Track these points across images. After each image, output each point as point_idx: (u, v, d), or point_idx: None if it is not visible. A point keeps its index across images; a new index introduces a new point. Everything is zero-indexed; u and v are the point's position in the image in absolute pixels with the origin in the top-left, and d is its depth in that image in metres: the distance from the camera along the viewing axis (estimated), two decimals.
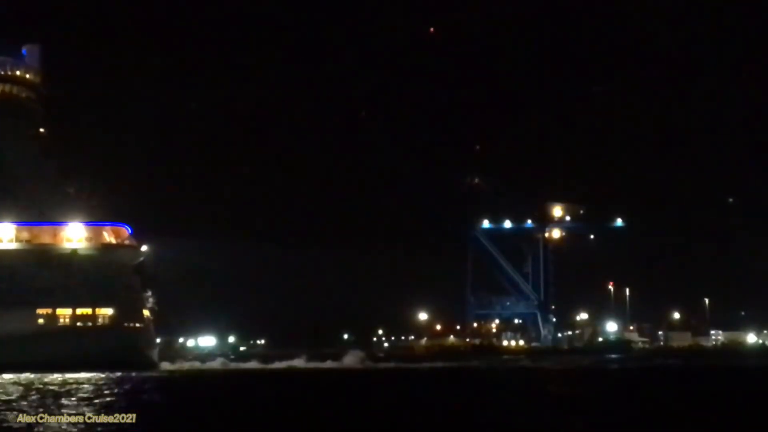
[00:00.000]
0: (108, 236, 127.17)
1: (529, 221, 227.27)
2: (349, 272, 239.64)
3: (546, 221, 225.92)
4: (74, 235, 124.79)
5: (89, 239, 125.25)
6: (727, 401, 64.53)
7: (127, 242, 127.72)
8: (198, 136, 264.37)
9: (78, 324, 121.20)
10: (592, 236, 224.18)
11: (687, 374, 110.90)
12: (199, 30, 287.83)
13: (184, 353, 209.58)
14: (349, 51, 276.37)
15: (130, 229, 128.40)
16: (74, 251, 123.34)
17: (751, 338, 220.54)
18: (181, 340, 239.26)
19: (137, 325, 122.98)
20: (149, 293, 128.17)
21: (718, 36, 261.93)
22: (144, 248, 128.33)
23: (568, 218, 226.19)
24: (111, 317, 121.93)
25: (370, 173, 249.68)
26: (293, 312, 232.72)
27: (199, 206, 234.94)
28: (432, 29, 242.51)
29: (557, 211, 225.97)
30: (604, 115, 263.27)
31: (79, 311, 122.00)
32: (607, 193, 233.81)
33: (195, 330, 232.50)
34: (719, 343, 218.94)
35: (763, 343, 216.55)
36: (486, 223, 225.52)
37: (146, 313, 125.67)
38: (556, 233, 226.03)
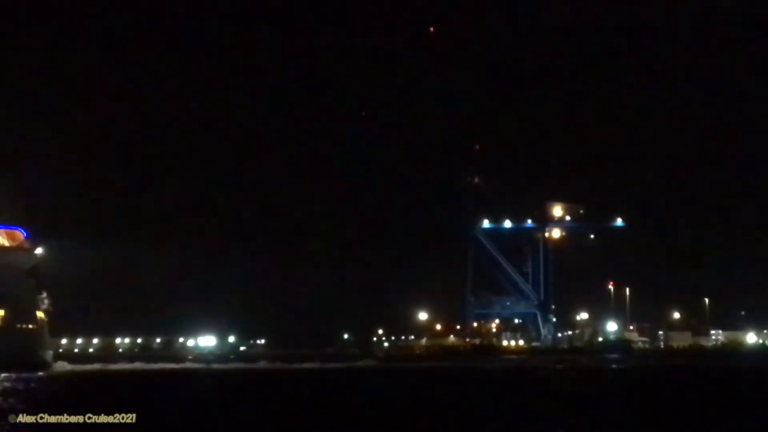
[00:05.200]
0: (2, 239, 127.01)
1: (529, 221, 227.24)
2: (350, 272, 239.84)
3: (546, 221, 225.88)
4: None
5: None
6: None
7: (21, 245, 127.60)
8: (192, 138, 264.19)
9: None
10: (592, 236, 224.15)
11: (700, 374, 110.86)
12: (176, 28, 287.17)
13: (183, 353, 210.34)
14: (349, 50, 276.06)
15: (24, 233, 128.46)
16: None
17: (751, 338, 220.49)
18: (181, 339, 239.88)
19: (30, 326, 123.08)
20: (44, 295, 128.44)
21: (718, 34, 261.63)
22: (39, 251, 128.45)
23: (568, 218, 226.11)
24: (3, 319, 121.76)
25: (370, 173, 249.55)
26: (293, 312, 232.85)
27: (109, 210, 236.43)
28: (432, 29, 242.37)
29: (557, 211, 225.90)
30: (604, 114, 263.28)
31: None
32: (607, 193, 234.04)
33: (196, 330, 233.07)
34: (719, 342, 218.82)
35: (763, 343, 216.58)
36: (486, 223, 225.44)
37: (40, 314, 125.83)
38: (556, 233, 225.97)
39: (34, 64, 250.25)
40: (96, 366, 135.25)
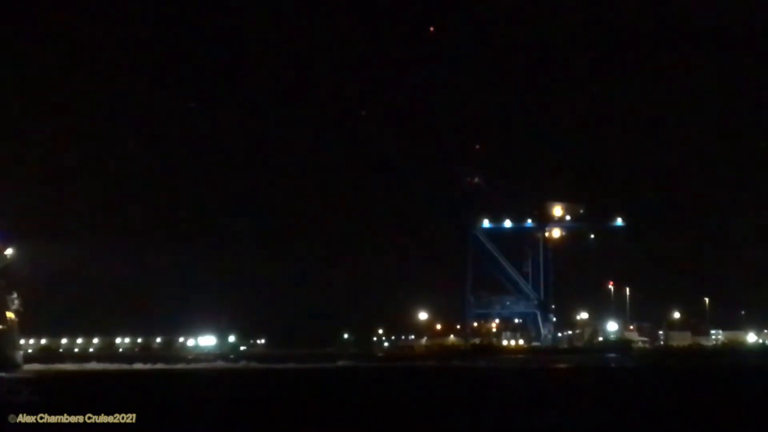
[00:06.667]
0: None
1: (529, 221, 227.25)
2: (350, 272, 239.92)
3: (546, 221, 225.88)
4: None
5: None
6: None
7: None
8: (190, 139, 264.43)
9: None
10: (592, 236, 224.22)
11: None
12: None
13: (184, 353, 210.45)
14: (349, 49, 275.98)
15: None
16: None
17: (751, 338, 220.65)
18: (181, 339, 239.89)
19: (0, 326, 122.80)
20: (14, 295, 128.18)
21: (717, 33, 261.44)
22: (9, 251, 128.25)
23: (568, 218, 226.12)
24: None
25: (370, 172, 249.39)
26: (293, 312, 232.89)
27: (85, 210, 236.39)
28: (432, 28, 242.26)
29: (557, 210, 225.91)
30: (605, 114, 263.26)
31: None
32: (607, 192, 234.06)
33: (196, 330, 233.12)
34: (719, 342, 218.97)
35: (763, 343, 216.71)
36: (486, 223, 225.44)
37: (10, 315, 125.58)
38: (556, 233, 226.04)
39: (20, 63, 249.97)
40: (68, 366, 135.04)
